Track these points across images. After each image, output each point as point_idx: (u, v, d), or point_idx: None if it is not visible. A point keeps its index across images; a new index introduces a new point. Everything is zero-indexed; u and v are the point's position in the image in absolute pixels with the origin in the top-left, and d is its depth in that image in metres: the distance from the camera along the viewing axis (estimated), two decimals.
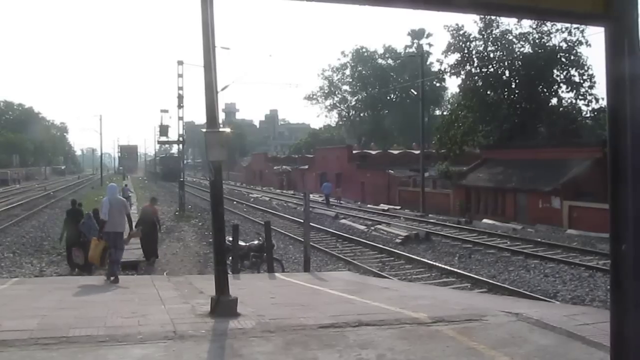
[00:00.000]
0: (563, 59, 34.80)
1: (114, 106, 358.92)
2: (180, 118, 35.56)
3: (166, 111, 42.70)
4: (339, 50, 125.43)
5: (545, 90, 35.78)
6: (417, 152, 41.32)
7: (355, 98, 78.28)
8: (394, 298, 9.49)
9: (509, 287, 13.76)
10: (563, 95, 36.13)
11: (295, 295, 10.18)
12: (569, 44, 34.57)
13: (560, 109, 36.00)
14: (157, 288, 10.39)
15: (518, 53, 36.27)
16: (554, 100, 36.53)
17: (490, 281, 14.45)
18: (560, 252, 18.59)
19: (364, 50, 76.69)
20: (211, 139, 8.07)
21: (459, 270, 15.92)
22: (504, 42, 36.32)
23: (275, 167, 70.02)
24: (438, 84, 70.22)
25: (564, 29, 34.26)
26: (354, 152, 52.27)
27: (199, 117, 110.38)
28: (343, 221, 29.03)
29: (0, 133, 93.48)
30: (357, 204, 41.69)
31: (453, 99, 65.76)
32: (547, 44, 35.25)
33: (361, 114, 78.73)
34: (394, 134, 74.77)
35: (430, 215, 32.23)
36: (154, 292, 9.94)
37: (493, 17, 34.70)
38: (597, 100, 34.38)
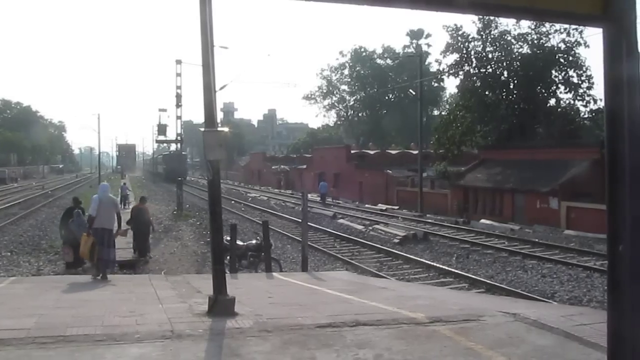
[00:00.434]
0: (561, 60, 34.84)
1: (112, 105, 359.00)
2: (179, 117, 35.72)
3: (164, 110, 42.98)
4: (338, 50, 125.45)
5: (543, 91, 35.81)
6: (415, 152, 41.33)
7: (354, 98, 78.40)
8: (392, 298, 9.49)
9: (506, 287, 13.78)
10: (561, 96, 36.24)
11: (293, 295, 10.18)
12: (568, 44, 34.62)
13: (559, 109, 36.03)
14: (154, 287, 10.38)
15: (516, 54, 36.32)
16: (552, 101, 36.59)
17: (488, 281, 14.47)
18: (557, 253, 18.62)
19: (362, 50, 76.83)
20: (209, 139, 8.07)
21: (456, 271, 15.93)
22: (502, 42, 36.36)
23: (273, 167, 70.05)
24: (436, 84, 70.32)
25: (562, 30, 34.35)
26: (352, 152, 52.26)
27: (197, 116, 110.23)
28: (341, 221, 29.03)
29: None
30: (355, 203, 41.69)
31: (451, 99, 65.85)
32: (545, 45, 35.30)
33: (359, 114, 78.82)
34: (392, 134, 74.83)
35: (428, 215, 32.26)
36: (151, 291, 9.94)
37: (492, 18, 34.74)
38: (595, 101, 34.44)
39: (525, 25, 35.24)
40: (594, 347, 5.50)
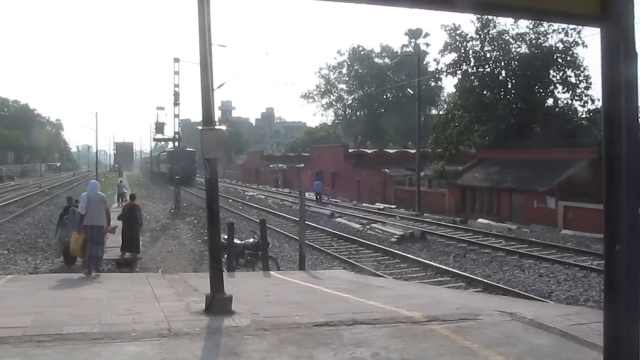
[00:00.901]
0: (559, 60, 34.80)
1: (110, 103, 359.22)
2: (176, 115, 35.52)
3: (162, 108, 42.68)
4: (336, 49, 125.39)
5: (541, 90, 35.81)
6: (413, 151, 41.33)
7: (352, 97, 78.36)
8: (389, 297, 9.49)
9: (503, 286, 13.81)
10: (559, 95, 36.18)
11: (290, 294, 10.18)
12: (566, 44, 34.60)
13: (557, 109, 36.02)
14: (152, 285, 10.38)
15: (514, 53, 36.30)
16: (550, 101, 36.55)
17: (485, 280, 14.50)
18: (554, 252, 18.66)
19: (360, 49, 76.75)
20: (207, 137, 8.08)
21: (454, 270, 15.96)
22: (500, 42, 36.34)
23: (271, 166, 70.06)
24: (434, 84, 70.24)
25: (560, 30, 34.31)
26: (349, 150, 52.30)
27: (195, 114, 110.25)
28: (338, 220, 29.05)
29: None
30: (353, 202, 41.71)
31: (449, 98, 65.83)
32: (543, 45, 35.27)
33: (357, 113, 78.79)
34: (390, 133, 74.83)
35: (425, 214, 32.30)
36: (148, 289, 9.93)
37: (490, 17, 34.75)
38: (592, 101, 34.40)
39: (524, 25, 35.26)
40: (591, 347, 5.51)
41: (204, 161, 8.12)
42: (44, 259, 17.35)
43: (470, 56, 37.14)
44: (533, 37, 35.55)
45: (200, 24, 8.01)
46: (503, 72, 36.59)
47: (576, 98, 35.29)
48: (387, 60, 77.25)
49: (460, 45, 37.21)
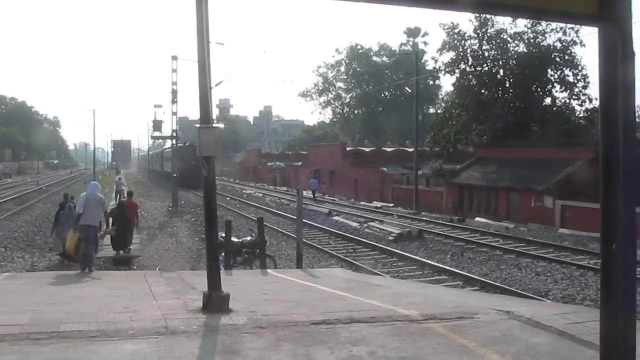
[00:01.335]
0: (557, 59, 34.83)
1: (108, 101, 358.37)
2: (174, 113, 35.40)
3: (160, 106, 42.41)
4: (334, 47, 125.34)
5: (539, 89, 35.84)
6: (411, 149, 41.37)
7: (350, 95, 78.39)
8: (386, 295, 9.50)
9: (500, 285, 13.83)
10: (557, 95, 36.19)
11: (287, 292, 10.18)
12: (564, 43, 34.63)
13: (554, 108, 36.04)
14: (149, 283, 10.38)
15: (512, 52, 36.33)
16: (548, 100, 36.57)
17: (482, 279, 14.52)
18: (552, 251, 18.69)
19: (359, 47, 76.78)
20: (204, 135, 8.08)
21: (451, 268, 15.98)
22: (498, 41, 36.36)
23: (268, 164, 70.01)
24: (432, 82, 70.37)
25: (558, 29, 34.35)
26: (347, 149, 52.30)
27: (193, 112, 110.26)
28: (336, 218, 29.05)
29: None
30: (351, 201, 41.72)
31: (447, 97, 65.90)
32: (541, 44, 35.30)
33: (355, 111, 78.84)
34: (388, 131, 74.91)
35: (423, 213, 32.31)
36: (146, 287, 9.93)
37: (488, 16, 34.74)
38: (590, 100, 34.46)
39: (522, 24, 35.28)
40: (587, 345, 5.53)
41: (201, 159, 8.13)
42: (41, 257, 17.32)
43: (469, 55, 37.17)
44: (531, 36, 35.60)
45: (199, 23, 8.01)
46: (501, 71, 36.60)
47: (574, 97, 35.35)
48: (385, 59, 77.29)
49: (458, 44, 37.23)
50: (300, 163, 60.38)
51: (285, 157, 70.96)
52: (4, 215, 27.80)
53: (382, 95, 74.67)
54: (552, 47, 34.91)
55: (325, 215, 30.37)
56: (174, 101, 34.71)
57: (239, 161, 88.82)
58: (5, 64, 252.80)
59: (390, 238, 21.77)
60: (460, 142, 37.85)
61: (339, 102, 79.90)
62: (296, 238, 15.64)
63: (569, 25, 32.49)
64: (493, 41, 36.44)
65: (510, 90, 36.22)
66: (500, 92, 36.49)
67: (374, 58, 77.50)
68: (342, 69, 78.21)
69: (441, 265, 16.41)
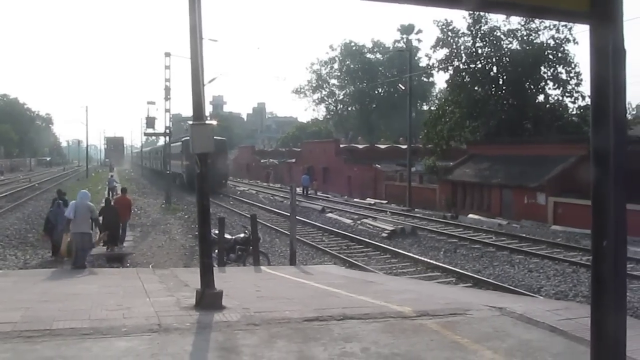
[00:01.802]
0: (550, 56, 34.91)
1: (100, 98, 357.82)
2: (167, 110, 35.33)
3: (153, 103, 42.73)
4: (328, 44, 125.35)
5: (532, 87, 35.92)
6: (404, 146, 41.33)
7: (343, 92, 78.45)
8: (379, 292, 9.53)
9: (493, 281, 13.88)
10: (550, 92, 36.25)
11: (280, 289, 10.19)
12: (557, 41, 34.69)
13: (547, 105, 36.12)
14: (142, 281, 10.36)
15: (506, 50, 36.37)
16: (541, 97, 36.63)
17: (475, 276, 14.58)
18: (544, 248, 18.78)
19: (352, 44, 76.77)
20: (197, 132, 8.07)
21: (444, 265, 16.02)
22: (492, 38, 36.39)
23: (262, 161, 69.93)
24: (426, 79, 70.41)
25: (551, 27, 34.39)
26: (341, 146, 52.23)
27: (186, 109, 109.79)
28: (329, 215, 29.06)
29: None
30: (344, 198, 41.75)
31: (441, 94, 65.94)
32: (535, 41, 35.37)
33: (349, 108, 78.91)
34: (381, 128, 74.90)
35: (416, 209, 32.37)
36: (139, 284, 9.91)
37: (482, 14, 34.73)
38: (583, 98, 34.56)
39: (515, 22, 35.34)
40: (579, 341, 5.56)
41: (194, 156, 8.12)
42: (34, 254, 17.25)
43: (462, 52, 37.20)
44: (525, 33, 35.65)
45: (191, 19, 7.98)
46: (494, 68, 36.65)
47: (567, 94, 35.45)
48: (379, 56, 77.35)
49: (452, 41, 37.26)
50: (293, 160, 60.32)
51: (279, 154, 70.85)
52: None
53: (376, 92, 74.73)
54: (545, 45, 34.98)
55: (319, 212, 30.38)
56: (167, 98, 34.62)
57: (233, 158, 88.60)
58: None
59: (384, 235, 21.80)
60: (454, 139, 37.89)
61: (333, 99, 79.96)
62: (289, 235, 15.63)
63: (562, 23, 32.56)
64: (487, 38, 36.47)
65: (504, 88, 36.28)
66: (493, 89, 36.55)
67: (368, 55, 77.51)
68: (336, 66, 78.23)
69: (434, 262, 16.45)
